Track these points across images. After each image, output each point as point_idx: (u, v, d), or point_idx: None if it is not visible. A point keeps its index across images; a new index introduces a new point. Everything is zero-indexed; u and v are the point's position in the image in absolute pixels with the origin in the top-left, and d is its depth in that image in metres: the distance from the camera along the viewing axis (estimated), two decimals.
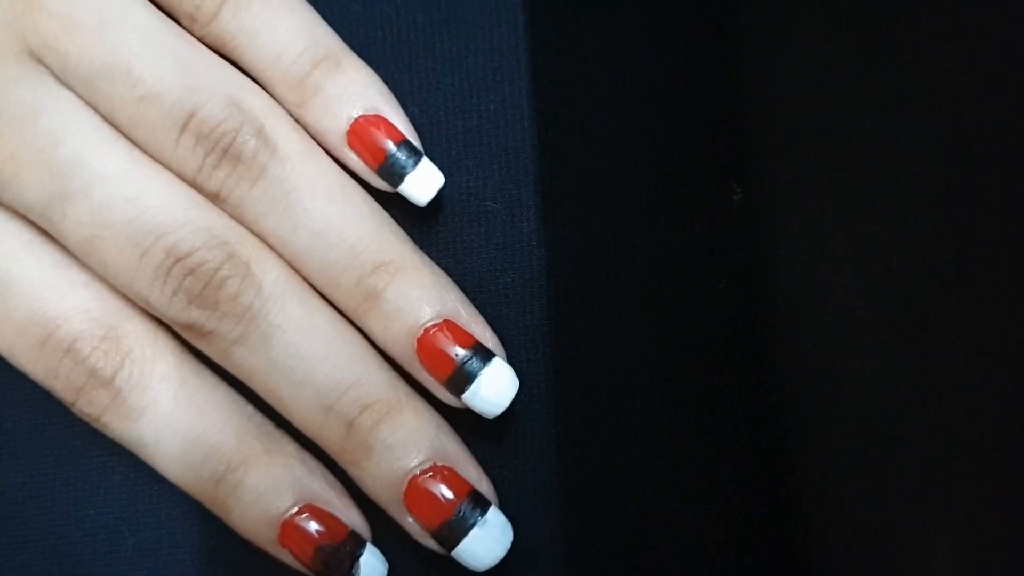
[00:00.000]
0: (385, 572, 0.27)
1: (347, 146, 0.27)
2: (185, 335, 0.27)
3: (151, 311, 0.27)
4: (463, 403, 0.27)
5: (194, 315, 0.26)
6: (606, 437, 0.29)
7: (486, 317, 0.28)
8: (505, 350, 0.28)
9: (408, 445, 0.26)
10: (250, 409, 0.27)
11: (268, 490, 0.26)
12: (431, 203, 0.28)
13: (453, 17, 0.29)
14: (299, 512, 0.26)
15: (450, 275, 0.29)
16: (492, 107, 0.29)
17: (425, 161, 0.28)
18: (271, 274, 0.26)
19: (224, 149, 0.26)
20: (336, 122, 0.27)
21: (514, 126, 0.29)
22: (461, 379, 0.27)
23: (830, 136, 0.28)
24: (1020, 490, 0.24)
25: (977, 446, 0.24)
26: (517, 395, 0.28)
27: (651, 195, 0.29)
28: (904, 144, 0.26)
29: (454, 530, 0.26)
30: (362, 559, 0.27)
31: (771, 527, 0.29)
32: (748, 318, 0.29)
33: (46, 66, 0.26)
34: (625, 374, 0.29)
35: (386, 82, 0.29)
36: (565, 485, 0.28)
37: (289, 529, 0.26)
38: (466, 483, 0.27)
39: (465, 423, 0.28)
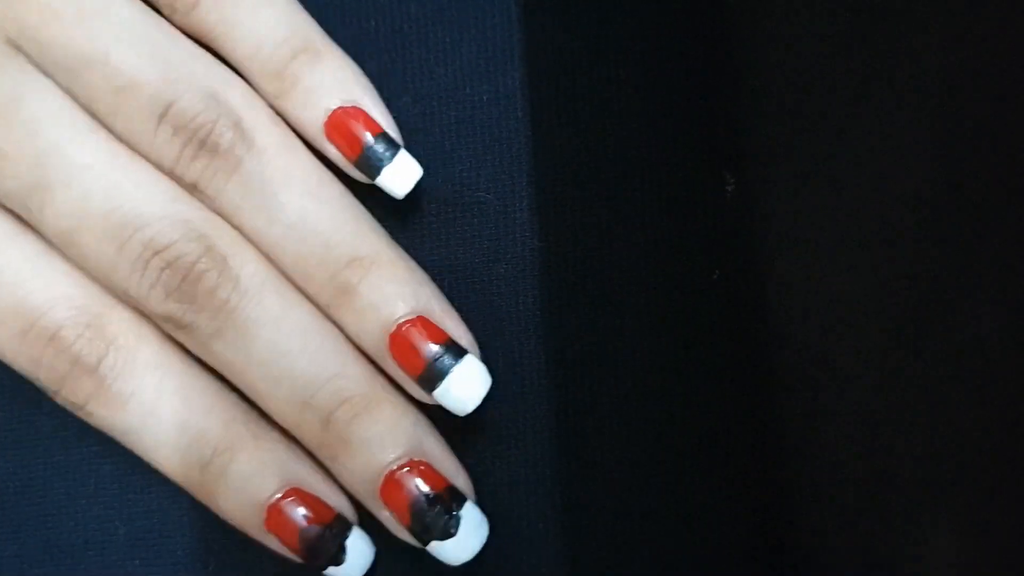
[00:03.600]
0: (373, 555, 0.27)
1: (325, 137, 0.27)
2: (165, 327, 0.27)
3: (130, 302, 0.27)
4: (434, 400, 0.27)
5: (172, 308, 0.26)
6: (600, 427, 0.29)
7: (479, 307, 0.29)
8: (497, 340, 0.28)
9: (385, 440, 0.26)
10: (234, 397, 0.27)
11: (254, 474, 0.26)
12: (423, 193, 0.28)
13: (447, 7, 0.29)
14: (285, 496, 0.26)
15: (442, 265, 0.29)
16: (485, 97, 0.29)
17: (403, 153, 0.28)
18: (248, 267, 0.26)
19: (201, 141, 0.26)
20: (314, 113, 0.27)
21: (507, 116, 0.29)
22: (432, 376, 0.27)
23: (824, 127, 0.28)
24: (1018, 484, 0.24)
25: (974, 440, 0.24)
26: (511, 384, 0.28)
27: (644, 185, 0.29)
28: (898, 135, 0.26)
29: (429, 526, 0.26)
30: (349, 542, 0.27)
31: (765, 518, 0.29)
32: (741, 308, 0.29)
33: (25, 55, 0.26)
34: (618, 364, 0.29)
35: (379, 72, 0.29)
36: (559, 475, 0.28)
37: (275, 513, 0.26)
38: (442, 479, 0.27)
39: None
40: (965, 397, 0.24)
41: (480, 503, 0.28)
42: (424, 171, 0.29)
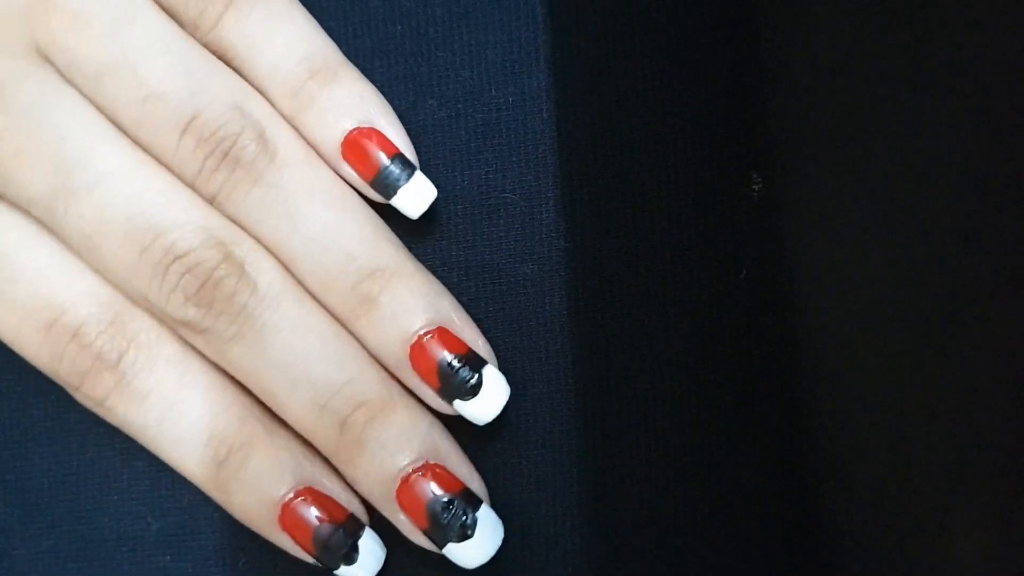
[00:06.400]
0: (384, 556, 0.28)
1: (341, 157, 0.28)
2: (182, 333, 0.27)
3: (149, 307, 0.27)
4: (455, 410, 0.27)
5: (190, 313, 0.26)
6: (626, 428, 0.29)
7: (505, 308, 0.29)
8: (524, 340, 0.29)
9: (400, 443, 0.27)
10: (249, 398, 0.28)
11: (269, 472, 0.27)
12: (449, 195, 0.28)
13: (472, 10, 0.29)
14: (299, 495, 0.27)
15: (469, 266, 0.29)
16: (511, 99, 0.29)
17: (418, 175, 0.28)
18: (266, 275, 0.27)
19: (224, 152, 0.26)
20: (330, 133, 0.27)
21: (533, 118, 0.29)
22: (453, 387, 0.27)
23: (851, 126, 0.28)
24: None
25: (1002, 437, 0.24)
26: (537, 384, 0.28)
27: (670, 186, 0.29)
28: (925, 134, 0.26)
29: (446, 528, 0.27)
30: (361, 542, 0.27)
31: (792, 515, 0.28)
32: (768, 308, 0.29)
33: (53, 63, 0.27)
34: (645, 364, 0.29)
35: (405, 75, 0.29)
36: (585, 475, 0.28)
37: (288, 512, 0.27)
38: (458, 481, 0.27)
39: None
40: (992, 393, 0.24)
41: (506, 502, 0.28)
42: (450, 173, 0.29)
